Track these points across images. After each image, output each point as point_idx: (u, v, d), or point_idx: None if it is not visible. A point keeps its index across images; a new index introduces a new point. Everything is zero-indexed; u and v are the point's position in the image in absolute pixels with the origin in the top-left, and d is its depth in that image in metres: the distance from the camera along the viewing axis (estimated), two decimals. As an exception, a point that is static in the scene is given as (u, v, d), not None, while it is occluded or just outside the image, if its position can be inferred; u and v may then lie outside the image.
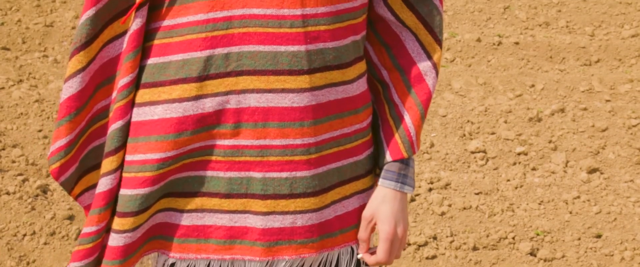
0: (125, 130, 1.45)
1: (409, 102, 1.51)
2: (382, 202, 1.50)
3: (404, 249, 1.65)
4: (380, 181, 1.51)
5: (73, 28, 4.83)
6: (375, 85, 1.56)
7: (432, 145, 3.85)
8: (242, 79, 1.40)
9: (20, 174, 3.42)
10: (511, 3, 5.45)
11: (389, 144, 1.52)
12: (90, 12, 1.42)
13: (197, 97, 1.41)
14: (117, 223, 1.45)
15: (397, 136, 1.51)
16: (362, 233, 1.52)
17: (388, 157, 1.51)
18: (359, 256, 1.54)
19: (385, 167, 1.52)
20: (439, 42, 1.53)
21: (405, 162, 1.51)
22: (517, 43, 4.94)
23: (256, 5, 1.38)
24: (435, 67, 1.52)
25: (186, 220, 1.48)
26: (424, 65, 1.51)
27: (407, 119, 1.51)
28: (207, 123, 1.42)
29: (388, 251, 1.49)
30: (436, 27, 1.52)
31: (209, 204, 1.46)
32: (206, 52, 1.39)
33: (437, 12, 1.51)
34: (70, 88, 1.44)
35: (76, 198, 1.53)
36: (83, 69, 1.44)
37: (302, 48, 1.39)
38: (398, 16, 1.50)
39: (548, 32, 5.09)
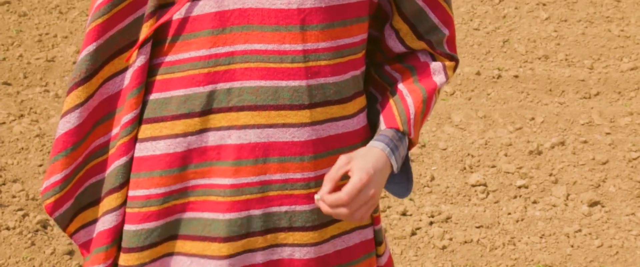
0: (129, 166, 1.45)
1: (413, 88, 1.50)
2: (364, 156, 1.39)
3: (366, 221, 1.55)
4: (371, 142, 1.44)
5: (74, 63, 4.85)
6: (383, 85, 1.56)
7: (432, 178, 3.85)
8: (244, 115, 1.40)
9: (21, 209, 3.41)
10: (510, 36, 5.48)
11: (386, 115, 1.48)
12: (91, 48, 1.43)
13: (200, 132, 1.41)
14: (122, 259, 1.45)
15: (395, 110, 1.48)
16: (332, 173, 1.37)
17: (382, 125, 1.46)
18: (317, 197, 1.37)
19: (378, 132, 1.46)
20: (449, 56, 1.54)
21: (400, 137, 1.45)
22: (516, 76, 4.96)
23: (258, 40, 1.38)
24: (445, 69, 1.53)
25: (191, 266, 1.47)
26: (434, 65, 1.52)
27: (409, 100, 1.48)
28: (209, 158, 1.42)
29: (351, 195, 1.34)
30: (446, 50, 1.54)
31: (209, 249, 1.45)
32: (208, 87, 1.40)
33: (445, 37, 1.53)
34: (67, 123, 1.44)
35: (71, 235, 1.51)
36: (81, 105, 1.44)
37: (303, 83, 1.40)
38: (410, 47, 1.52)
39: (547, 66, 5.11)
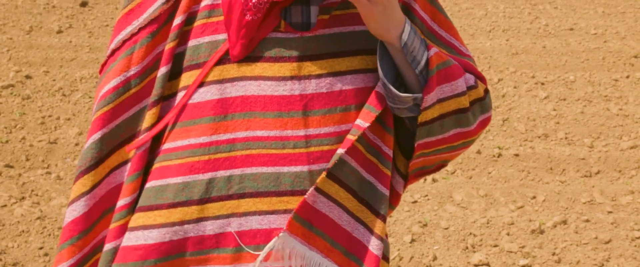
0: (114, 254, 1.43)
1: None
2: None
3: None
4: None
5: (76, 145, 4.87)
6: None
7: (434, 258, 3.82)
8: (244, 202, 1.39)
9: (20, 293, 3.38)
10: (510, 115, 5.52)
11: None
12: (96, 136, 1.44)
13: (198, 220, 1.40)
14: None
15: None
16: None
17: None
18: None
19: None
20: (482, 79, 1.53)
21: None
22: (517, 155, 4.97)
23: (260, 127, 1.39)
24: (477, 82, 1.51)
25: None
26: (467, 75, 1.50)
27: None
28: (206, 246, 1.41)
29: None
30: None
31: None
32: (208, 175, 1.39)
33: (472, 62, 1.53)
34: (73, 212, 1.44)
35: None
36: (87, 193, 1.44)
37: (305, 168, 1.40)
38: None
39: (547, 144, 5.13)
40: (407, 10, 1.49)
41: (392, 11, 1.34)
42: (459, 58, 1.50)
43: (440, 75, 1.40)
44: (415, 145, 1.45)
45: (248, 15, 1.37)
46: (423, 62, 1.39)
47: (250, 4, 1.36)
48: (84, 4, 7.44)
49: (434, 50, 1.40)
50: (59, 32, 6.72)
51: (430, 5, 1.53)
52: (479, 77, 1.52)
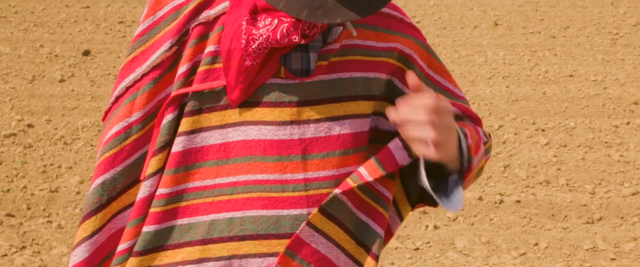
0: None
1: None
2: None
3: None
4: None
5: (78, 193, 4.87)
6: None
7: (437, 306, 3.80)
8: (245, 244, 1.41)
9: None
10: (511, 162, 5.52)
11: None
12: (99, 181, 1.45)
13: (200, 261, 1.42)
14: None
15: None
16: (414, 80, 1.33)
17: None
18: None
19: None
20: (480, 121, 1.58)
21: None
22: (518, 201, 4.96)
23: (260, 171, 1.41)
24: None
25: None
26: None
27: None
28: None
29: (425, 96, 1.29)
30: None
31: None
32: (211, 216, 1.42)
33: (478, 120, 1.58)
34: (75, 257, 1.45)
35: None
36: (89, 238, 1.45)
37: (304, 211, 1.42)
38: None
39: (549, 190, 5.12)
40: (408, 62, 1.54)
41: (452, 136, 1.35)
42: (454, 102, 1.55)
43: (476, 154, 1.45)
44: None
45: (248, 60, 1.39)
46: (466, 154, 1.42)
47: (250, 49, 1.39)
48: (86, 53, 7.50)
49: (468, 135, 1.43)
50: (62, 81, 6.76)
51: (427, 53, 1.59)
52: (475, 118, 1.57)
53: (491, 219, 4.79)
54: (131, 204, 1.47)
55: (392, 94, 1.52)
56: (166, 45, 1.45)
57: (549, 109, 6.45)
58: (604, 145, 5.80)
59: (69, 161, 5.35)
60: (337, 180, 1.44)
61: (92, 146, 5.55)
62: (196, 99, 1.43)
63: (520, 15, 9.43)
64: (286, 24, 1.38)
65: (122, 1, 9.65)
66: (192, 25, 1.45)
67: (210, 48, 1.44)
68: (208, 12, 1.45)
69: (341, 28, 1.45)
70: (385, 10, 1.52)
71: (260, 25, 1.39)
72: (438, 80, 1.58)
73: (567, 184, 5.21)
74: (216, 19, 1.45)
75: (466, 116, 1.56)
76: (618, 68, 7.54)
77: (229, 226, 1.41)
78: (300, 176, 1.42)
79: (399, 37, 1.53)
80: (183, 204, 1.43)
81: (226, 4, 1.45)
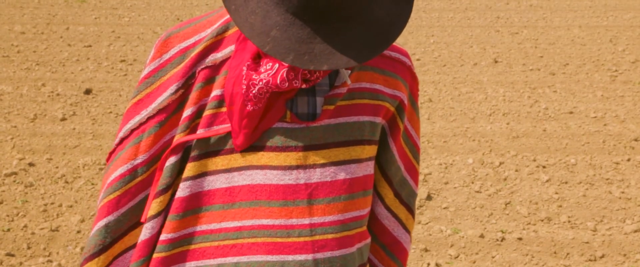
0: None
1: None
2: None
3: None
4: None
5: (78, 232, 4.86)
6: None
7: None
8: (251, 289, 1.41)
9: None
10: (512, 199, 5.51)
11: None
12: (101, 223, 1.45)
13: None
14: None
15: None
16: None
17: None
18: None
19: None
20: (413, 213, 1.69)
21: None
22: (520, 239, 4.95)
23: (265, 216, 1.41)
24: (410, 233, 1.68)
25: None
26: (405, 241, 1.66)
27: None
28: None
29: None
30: (414, 209, 1.67)
31: None
32: (218, 260, 1.42)
33: (415, 195, 1.66)
34: None
35: None
36: None
37: (309, 257, 1.41)
38: (394, 213, 1.57)
39: (550, 228, 5.11)
40: (402, 112, 1.57)
41: None
42: (413, 172, 1.65)
43: None
44: None
45: (249, 105, 1.39)
46: None
47: (250, 94, 1.39)
48: (87, 92, 7.53)
49: None
50: (63, 119, 6.78)
51: (410, 106, 1.62)
52: (416, 184, 1.67)
53: (493, 257, 4.77)
54: (133, 246, 1.47)
55: (381, 136, 1.55)
56: (172, 88, 1.45)
57: (550, 146, 6.46)
58: (605, 182, 5.79)
59: (69, 199, 5.35)
60: (343, 225, 1.44)
61: (93, 184, 5.54)
62: (202, 144, 1.44)
63: (520, 53, 9.48)
64: (286, 69, 1.37)
65: (124, 40, 9.71)
66: (199, 69, 1.45)
67: (216, 92, 1.44)
68: (215, 55, 1.45)
69: (349, 71, 1.45)
70: (394, 54, 1.53)
71: (262, 70, 1.39)
72: (411, 134, 1.64)
73: (569, 221, 5.20)
74: (223, 62, 1.45)
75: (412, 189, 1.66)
76: (618, 105, 7.56)
77: (236, 270, 1.41)
78: (306, 221, 1.41)
79: (402, 85, 1.54)
80: (191, 247, 1.44)
81: (233, 47, 1.45)
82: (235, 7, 1.30)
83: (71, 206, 5.26)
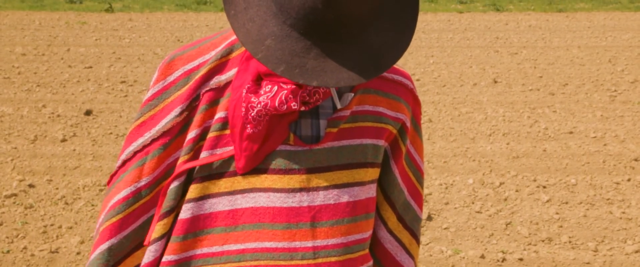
0: None
1: None
2: None
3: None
4: None
5: (78, 253, 4.84)
6: None
7: None
8: (254, 313, 1.40)
9: None
10: (513, 219, 5.51)
11: None
12: (104, 246, 1.45)
13: None
14: None
15: None
16: None
17: None
18: None
19: None
20: (419, 244, 1.68)
21: None
22: (521, 259, 4.93)
23: (268, 238, 1.40)
24: (415, 258, 1.67)
25: None
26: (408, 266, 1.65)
27: None
28: None
29: None
30: (419, 234, 1.65)
31: None
32: None
33: (419, 220, 1.64)
34: None
35: None
36: None
37: (312, 279, 1.41)
38: (397, 237, 1.56)
39: (551, 248, 5.10)
40: (404, 134, 1.57)
41: None
42: (414, 195, 1.65)
43: None
44: None
45: (249, 128, 1.39)
46: None
47: (250, 116, 1.39)
48: (88, 113, 7.54)
49: None
50: (63, 140, 6.78)
51: (412, 129, 1.61)
52: (420, 209, 1.66)
53: (494, 278, 4.76)
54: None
55: (383, 159, 1.55)
56: (176, 110, 1.45)
57: (550, 166, 6.46)
58: (606, 202, 5.79)
59: (69, 221, 5.34)
60: (346, 248, 1.44)
61: (93, 205, 5.53)
62: (205, 166, 1.43)
63: (519, 73, 9.50)
64: (285, 91, 1.37)
65: (124, 61, 9.73)
66: (203, 91, 1.45)
67: (220, 114, 1.44)
68: (219, 77, 1.45)
69: (352, 94, 1.46)
70: (396, 76, 1.53)
71: (261, 92, 1.39)
72: (414, 157, 1.64)
73: (570, 241, 5.19)
74: (227, 84, 1.45)
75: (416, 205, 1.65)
76: (617, 125, 7.57)
77: (238, 292, 1.41)
78: (309, 243, 1.41)
79: (405, 108, 1.54)
80: None
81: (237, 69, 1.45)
82: (235, 13, 1.30)
83: (71, 228, 5.25)
